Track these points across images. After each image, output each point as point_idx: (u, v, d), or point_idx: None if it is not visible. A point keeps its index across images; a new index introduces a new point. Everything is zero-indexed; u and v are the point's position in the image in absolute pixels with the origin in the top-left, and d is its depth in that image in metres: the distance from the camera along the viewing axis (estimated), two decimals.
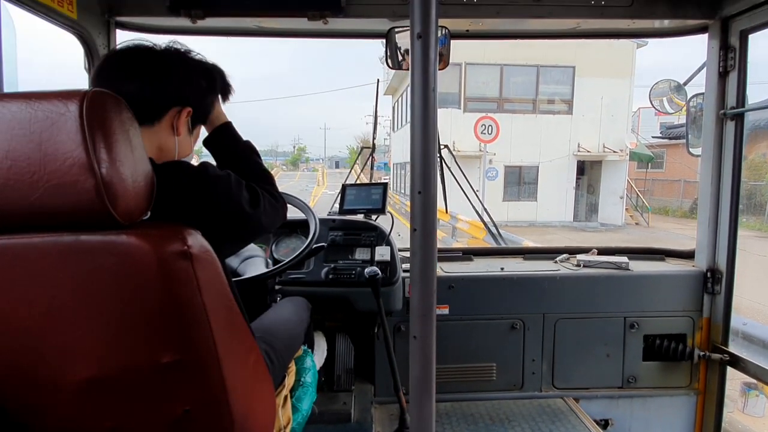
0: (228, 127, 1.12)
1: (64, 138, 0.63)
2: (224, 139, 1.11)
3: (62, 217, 0.66)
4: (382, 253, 1.82)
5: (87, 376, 0.73)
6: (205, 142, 1.13)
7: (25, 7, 1.34)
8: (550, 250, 2.33)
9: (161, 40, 0.98)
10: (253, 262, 1.60)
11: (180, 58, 0.97)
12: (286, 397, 1.17)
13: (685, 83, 2.08)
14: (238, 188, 0.93)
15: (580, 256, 2.14)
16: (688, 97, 2.07)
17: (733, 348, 1.91)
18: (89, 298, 0.70)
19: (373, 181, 2.56)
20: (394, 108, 22.24)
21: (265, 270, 1.52)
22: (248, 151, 1.13)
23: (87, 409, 0.77)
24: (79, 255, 0.68)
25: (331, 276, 1.78)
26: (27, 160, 0.64)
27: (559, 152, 15.43)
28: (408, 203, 0.80)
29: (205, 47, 1.02)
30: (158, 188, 0.76)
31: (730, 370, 1.94)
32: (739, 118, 1.82)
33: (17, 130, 0.64)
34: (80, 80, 1.66)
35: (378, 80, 2.75)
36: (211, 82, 1.03)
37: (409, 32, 0.74)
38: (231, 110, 1.15)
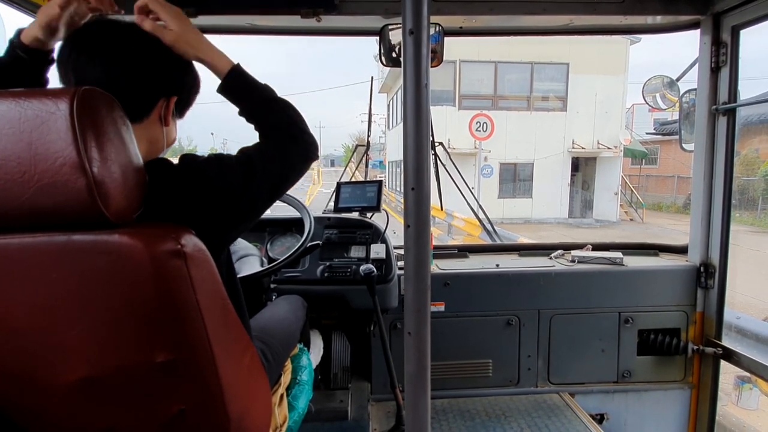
0: (233, 73, 0.93)
1: (55, 137, 0.62)
2: (234, 89, 0.94)
3: (54, 217, 0.65)
4: (377, 250, 1.82)
5: (81, 376, 0.72)
6: (219, 91, 0.95)
7: (15, 6, 1.33)
8: (545, 247, 2.34)
9: None
10: (248, 260, 1.59)
11: (157, 39, 0.86)
12: (282, 395, 1.17)
13: (678, 79, 2.10)
14: (220, 169, 0.84)
15: (574, 252, 2.15)
16: (681, 93, 2.08)
17: (726, 342, 1.93)
18: (82, 297, 0.69)
19: (368, 179, 2.56)
20: (389, 106, 22.23)
21: (260, 268, 1.52)
22: (262, 100, 0.96)
23: (81, 410, 0.77)
24: (71, 255, 0.68)
25: (326, 274, 1.78)
26: (17, 160, 0.63)
27: (554, 149, 15.49)
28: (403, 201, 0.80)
29: None
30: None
31: (723, 363, 1.96)
32: (731, 114, 1.83)
33: (6, 129, 0.63)
34: None
35: (372, 78, 2.74)
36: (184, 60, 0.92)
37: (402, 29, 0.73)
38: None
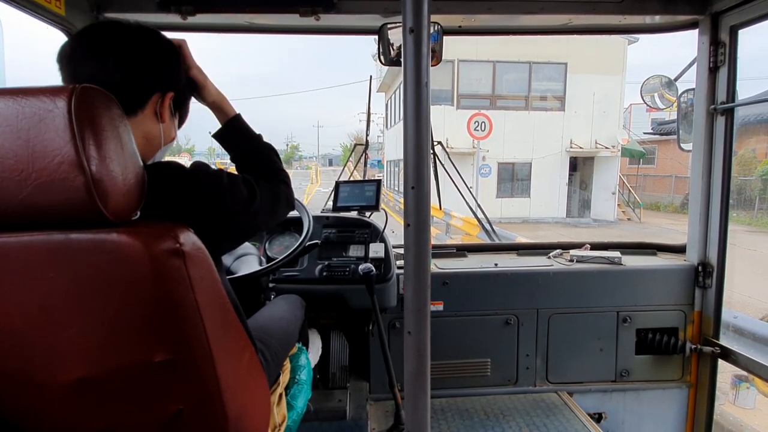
0: (236, 121, 1.09)
1: (53, 135, 0.62)
2: (233, 134, 1.09)
3: (52, 216, 0.65)
4: (376, 250, 1.82)
5: (79, 376, 0.72)
6: (215, 136, 1.09)
7: (11, 4, 1.32)
8: (544, 246, 2.34)
9: None
10: (247, 260, 1.59)
11: (154, 36, 0.90)
12: (281, 394, 1.17)
13: (676, 79, 2.09)
14: (231, 186, 0.90)
15: (573, 252, 2.16)
16: (679, 93, 2.08)
17: (724, 341, 1.93)
18: (80, 297, 0.69)
19: (366, 178, 2.55)
20: (387, 105, 22.22)
21: (258, 268, 1.52)
22: (257, 146, 1.10)
23: (79, 410, 0.76)
24: (69, 253, 0.67)
25: (325, 273, 1.78)
26: (15, 158, 0.63)
27: (552, 149, 15.51)
28: (402, 200, 0.80)
29: (195, 46, 0.99)
30: (148, 189, 0.75)
31: (721, 362, 1.96)
32: (729, 114, 1.83)
33: (4, 126, 0.63)
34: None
35: (371, 77, 2.74)
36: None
37: (401, 28, 0.73)
38: None
